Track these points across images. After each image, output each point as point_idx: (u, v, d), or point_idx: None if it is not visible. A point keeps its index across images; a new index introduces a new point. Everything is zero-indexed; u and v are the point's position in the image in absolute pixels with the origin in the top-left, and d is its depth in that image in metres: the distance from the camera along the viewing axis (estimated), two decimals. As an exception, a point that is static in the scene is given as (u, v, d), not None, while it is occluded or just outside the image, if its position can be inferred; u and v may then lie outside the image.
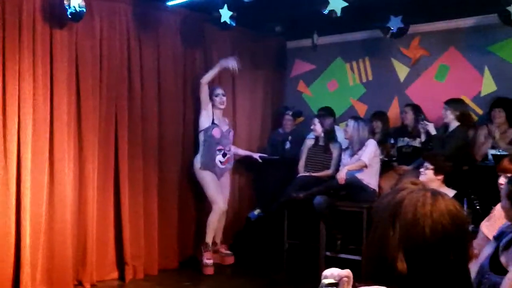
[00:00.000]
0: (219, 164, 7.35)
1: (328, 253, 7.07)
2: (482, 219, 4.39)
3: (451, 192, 5.46)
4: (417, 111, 7.44)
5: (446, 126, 7.05)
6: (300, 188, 7.17)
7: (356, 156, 7.02)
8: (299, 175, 7.59)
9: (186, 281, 6.81)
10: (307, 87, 9.17)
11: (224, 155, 7.38)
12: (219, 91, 7.46)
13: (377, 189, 6.97)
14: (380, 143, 7.44)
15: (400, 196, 1.75)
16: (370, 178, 6.96)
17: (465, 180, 6.36)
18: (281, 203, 7.39)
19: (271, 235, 7.79)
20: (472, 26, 7.56)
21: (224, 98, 7.46)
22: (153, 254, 7.09)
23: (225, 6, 6.80)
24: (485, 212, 4.78)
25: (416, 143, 7.30)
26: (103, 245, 6.67)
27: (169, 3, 7.12)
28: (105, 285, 6.60)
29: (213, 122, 7.35)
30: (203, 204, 7.53)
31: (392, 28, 7.13)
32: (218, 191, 7.35)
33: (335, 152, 7.57)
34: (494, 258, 2.75)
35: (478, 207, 5.77)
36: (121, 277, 6.77)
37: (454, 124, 6.91)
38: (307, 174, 7.53)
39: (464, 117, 6.96)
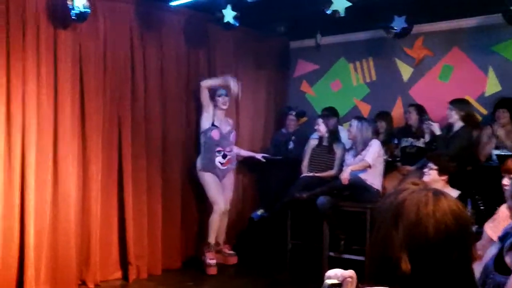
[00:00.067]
0: (219, 165, 7.33)
1: (331, 254, 7.07)
2: (486, 220, 4.39)
3: (455, 193, 5.45)
4: (421, 111, 7.43)
5: (450, 126, 7.03)
6: (303, 189, 7.17)
7: (359, 156, 7.01)
8: (302, 175, 7.58)
9: (190, 281, 6.81)
10: (310, 87, 9.16)
11: (224, 156, 7.36)
12: (222, 91, 7.43)
13: (380, 189, 6.95)
14: (384, 143, 7.43)
15: (402, 196, 1.75)
16: (374, 179, 6.95)
17: (469, 180, 6.35)
18: (284, 203, 7.39)
19: (274, 235, 7.79)
20: (476, 26, 7.54)
21: (227, 98, 7.43)
22: (156, 254, 7.09)
23: (229, 6, 6.80)
24: (489, 212, 4.77)
25: (420, 143, 7.28)
26: (107, 245, 6.67)
27: (173, 3, 7.13)
28: (108, 285, 6.61)
29: (213, 124, 7.33)
30: (206, 205, 7.53)
31: (395, 28, 7.11)
32: (219, 192, 7.34)
33: (338, 152, 7.56)
34: (498, 258, 2.74)
35: (482, 207, 5.76)
36: (125, 277, 6.78)
37: (459, 124, 6.89)
38: (311, 174, 7.52)
39: (468, 117, 6.95)
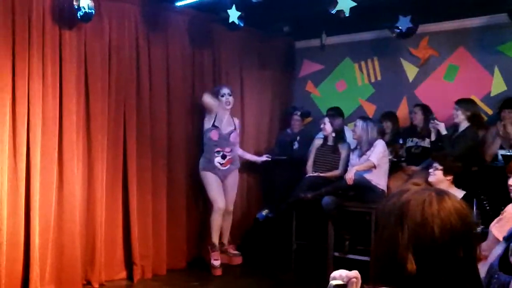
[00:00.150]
0: (218, 165, 7.31)
1: (336, 254, 7.06)
2: (492, 220, 4.38)
3: (460, 193, 5.44)
4: (426, 111, 7.41)
5: (455, 126, 7.01)
6: (308, 189, 7.15)
7: (364, 157, 6.99)
8: (307, 175, 7.57)
9: (194, 281, 6.82)
10: (315, 87, 9.15)
11: (223, 156, 7.33)
12: (225, 90, 7.40)
13: (385, 189, 6.93)
14: (390, 143, 7.42)
15: (406, 197, 1.75)
16: (379, 179, 6.93)
17: (475, 180, 6.34)
18: (289, 204, 7.38)
19: (279, 236, 7.78)
20: (481, 25, 7.52)
21: (230, 98, 7.40)
22: (161, 254, 7.09)
23: (233, 6, 6.79)
24: (495, 213, 4.76)
25: (425, 143, 7.26)
26: (112, 245, 6.68)
27: (178, 4, 7.13)
28: (113, 285, 6.61)
29: (213, 124, 7.31)
30: (210, 204, 7.52)
31: (401, 28, 7.10)
32: (219, 191, 7.33)
33: (343, 153, 7.55)
34: (503, 258, 2.74)
35: (487, 208, 5.75)
36: (130, 277, 6.78)
37: (465, 124, 6.87)
38: (316, 174, 7.51)
39: (474, 117, 6.92)
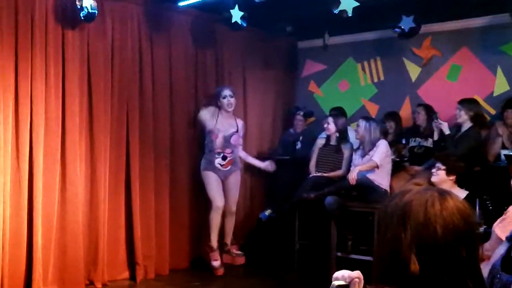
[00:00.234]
0: (219, 166, 7.29)
1: (339, 254, 7.06)
2: (495, 220, 4.37)
3: (463, 193, 5.43)
4: (429, 111, 7.40)
5: (458, 126, 7.00)
6: (311, 189, 7.15)
7: (367, 157, 6.99)
8: (310, 175, 7.57)
9: (197, 281, 6.82)
10: (318, 87, 9.15)
11: (224, 158, 7.31)
12: (227, 92, 7.37)
13: (388, 189, 6.93)
14: (392, 143, 7.41)
15: (408, 197, 1.75)
16: (382, 179, 6.93)
17: (478, 180, 6.33)
18: (292, 204, 7.38)
19: (282, 236, 7.78)
20: (484, 25, 7.51)
21: (232, 100, 7.36)
22: (164, 254, 7.10)
23: (236, 6, 6.80)
24: (498, 213, 4.75)
25: (428, 143, 7.26)
26: (115, 245, 6.69)
27: (180, 4, 7.13)
28: (116, 285, 6.62)
29: (214, 126, 7.30)
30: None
31: (403, 28, 7.09)
32: (218, 190, 7.30)
33: (346, 153, 7.54)
34: (506, 258, 2.74)
35: (490, 208, 5.74)
36: (132, 277, 6.79)
37: (467, 124, 6.86)
38: (319, 174, 7.51)
39: (477, 117, 6.91)
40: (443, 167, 5.61)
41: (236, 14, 6.85)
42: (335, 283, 1.78)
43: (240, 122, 7.61)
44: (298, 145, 8.40)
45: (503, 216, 4.30)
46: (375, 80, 8.55)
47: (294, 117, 8.65)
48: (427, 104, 7.56)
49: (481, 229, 4.65)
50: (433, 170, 5.74)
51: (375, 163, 6.84)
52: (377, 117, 7.97)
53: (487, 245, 4.13)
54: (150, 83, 6.98)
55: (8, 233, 5.66)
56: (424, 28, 7.30)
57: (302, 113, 8.58)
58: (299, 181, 7.54)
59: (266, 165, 7.79)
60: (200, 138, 7.54)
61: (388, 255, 1.72)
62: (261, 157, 8.24)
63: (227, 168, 7.36)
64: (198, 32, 7.53)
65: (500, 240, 3.76)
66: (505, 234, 3.26)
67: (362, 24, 7.56)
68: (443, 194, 1.73)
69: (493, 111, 7.39)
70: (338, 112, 7.95)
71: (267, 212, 7.67)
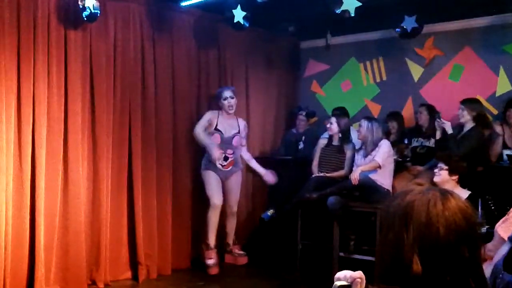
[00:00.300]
0: (220, 167, 7.27)
1: (341, 254, 7.05)
2: (498, 220, 4.36)
3: (465, 193, 5.43)
4: (431, 111, 7.40)
5: (461, 126, 6.99)
6: (314, 189, 7.14)
7: (369, 157, 6.98)
8: (313, 175, 7.56)
9: (199, 281, 6.81)
10: (320, 87, 9.15)
11: (225, 158, 7.29)
12: (227, 93, 7.35)
13: (391, 189, 6.92)
14: (395, 143, 7.41)
15: (410, 197, 1.75)
16: (384, 179, 6.92)
17: (480, 180, 6.32)
18: (294, 204, 7.37)
19: (284, 236, 7.78)
20: (486, 25, 7.51)
21: (233, 101, 7.35)
22: (166, 254, 7.10)
23: (239, 6, 6.79)
24: (500, 213, 4.74)
25: (431, 143, 7.25)
26: (117, 245, 6.69)
27: (183, 4, 7.13)
28: (118, 285, 6.62)
29: (215, 128, 7.28)
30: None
31: (406, 28, 7.08)
32: (217, 189, 7.27)
33: (348, 153, 7.53)
34: (509, 258, 2.73)
35: (493, 208, 5.73)
36: (135, 277, 6.79)
37: (470, 124, 6.84)
38: (321, 174, 7.50)
39: (480, 117, 6.89)
40: (446, 167, 5.61)
41: (239, 14, 6.84)
42: (337, 283, 1.78)
43: (242, 123, 7.59)
44: (301, 145, 8.41)
45: (506, 217, 4.29)
46: (378, 80, 8.55)
47: (296, 117, 8.66)
48: (429, 104, 7.55)
49: (484, 229, 4.64)
50: (436, 170, 5.74)
51: (378, 163, 6.84)
52: (380, 117, 7.97)
53: (489, 245, 4.12)
54: (153, 83, 6.98)
55: (11, 233, 5.66)
56: (427, 28, 7.30)
57: (304, 113, 8.59)
58: (301, 181, 7.54)
59: (266, 174, 7.74)
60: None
61: (390, 255, 1.72)
62: (263, 157, 8.26)
63: (228, 169, 7.36)
64: (200, 32, 7.53)
65: (502, 240, 3.75)
66: (508, 235, 3.26)
67: (365, 24, 7.56)
68: (445, 194, 1.74)
69: (495, 111, 7.38)
70: (340, 112, 7.94)
71: (270, 212, 7.66)
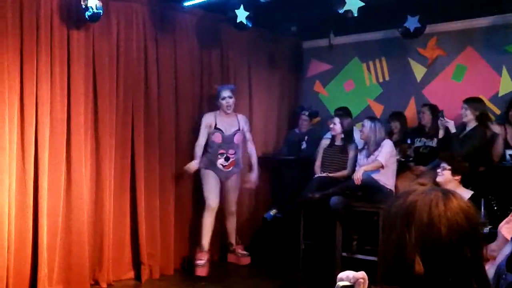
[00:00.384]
0: (221, 167, 7.23)
1: (344, 254, 7.05)
2: (500, 221, 4.36)
3: (468, 193, 5.43)
4: (434, 111, 7.39)
5: (463, 125, 6.98)
6: (317, 189, 7.14)
7: (372, 157, 6.97)
8: (316, 175, 7.55)
9: (202, 281, 6.81)
10: (323, 87, 9.14)
11: (226, 159, 7.24)
12: (225, 93, 7.27)
13: (393, 189, 6.92)
14: (398, 143, 7.40)
15: (412, 198, 1.75)
16: (387, 179, 6.92)
17: (483, 181, 6.32)
18: (297, 204, 7.37)
19: (287, 236, 7.78)
20: (489, 25, 7.50)
21: (231, 101, 7.27)
22: (169, 254, 7.10)
23: (241, 6, 6.79)
24: (503, 213, 4.74)
25: (433, 143, 7.24)
26: (120, 245, 6.69)
27: (186, 4, 7.14)
28: (121, 285, 6.63)
29: (215, 127, 7.23)
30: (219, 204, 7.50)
31: (409, 28, 7.08)
32: (214, 190, 7.22)
33: (351, 153, 7.52)
34: (511, 258, 2.74)
35: (495, 208, 5.73)
36: (137, 277, 6.79)
37: (473, 124, 6.83)
38: (324, 174, 7.50)
39: (482, 117, 6.89)
40: (449, 167, 5.60)
41: (241, 14, 6.85)
42: (340, 283, 1.78)
43: (242, 118, 7.50)
44: (303, 145, 8.40)
45: (510, 217, 4.29)
46: (380, 80, 8.54)
47: (299, 117, 8.65)
48: (432, 104, 7.54)
49: (486, 229, 4.64)
50: (438, 170, 5.73)
51: (380, 163, 6.83)
52: (382, 117, 7.96)
53: (493, 246, 4.12)
54: (155, 83, 6.98)
55: (14, 233, 5.67)
56: (429, 28, 7.31)
57: (307, 113, 8.58)
58: (304, 181, 7.53)
59: (252, 176, 7.54)
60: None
61: (393, 255, 1.72)
62: (266, 157, 8.27)
63: (229, 169, 7.31)
64: (203, 32, 7.53)
65: (506, 241, 3.76)
66: (511, 235, 3.26)
67: (368, 24, 7.56)
68: (447, 194, 1.73)
69: (498, 111, 7.37)
70: (343, 112, 7.93)
71: (272, 212, 7.65)
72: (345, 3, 6.12)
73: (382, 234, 1.82)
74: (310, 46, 9.21)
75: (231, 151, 7.28)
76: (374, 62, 8.60)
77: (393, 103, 8.16)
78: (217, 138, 7.21)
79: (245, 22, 6.89)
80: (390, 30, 7.80)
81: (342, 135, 7.55)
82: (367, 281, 1.80)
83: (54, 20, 6.00)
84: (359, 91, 8.71)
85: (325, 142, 7.80)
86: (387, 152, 6.87)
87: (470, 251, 1.67)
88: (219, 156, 7.23)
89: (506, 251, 3.00)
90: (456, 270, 1.65)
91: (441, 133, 7.06)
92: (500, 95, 7.43)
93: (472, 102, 6.90)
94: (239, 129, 7.36)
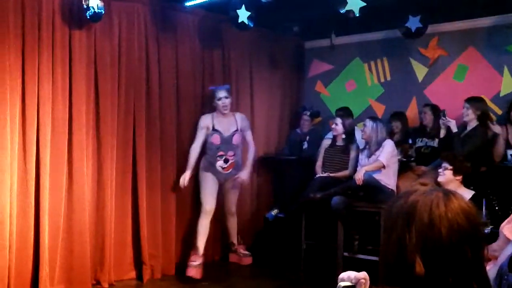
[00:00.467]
0: (220, 169, 7.17)
1: (345, 254, 7.05)
2: (502, 221, 4.36)
3: (469, 193, 5.42)
4: (435, 111, 7.39)
5: (464, 125, 6.98)
6: (318, 189, 7.14)
7: (374, 157, 6.97)
8: (317, 175, 7.55)
9: (204, 281, 6.80)
10: (325, 87, 9.14)
11: (225, 161, 7.18)
12: (221, 94, 7.19)
13: (395, 189, 6.92)
14: (399, 143, 7.40)
15: (413, 198, 1.75)
16: (388, 179, 6.92)
17: (484, 180, 6.31)
18: (298, 204, 7.37)
19: (289, 236, 7.78)
20: (491, 25, 7.49)
21: (227, 101, 7.18)
22: (170, 254, 7.10)
23: (243, 6, 6.79)
24: (504, 213, 4.74)
25: (435, 143, 7.24)
26: (121, 245, 6.69)
27: (187, 4, 7.14)
28: (123, 285, 6.62)
29: (213, 128, 7.17)
30: (219, 205, 7.50)
31: (410, 28, 7.08)
32: (212, 194, 7.16)
33: (352, 153, 7.53)
34: (513, 259, 2.74)
35: (497, 208, 5.73)
36: (139, 276, 6.79)
37: (474, 123, 6.83)
38: (325, 174, 7.50)
39: (484, 116, 6.88)
40: (450, 167, 5.60)
41: (243, 14, 6.85)
42: (341, 284, 1.78)
43: (239, 117, 7.39)
44: (305, 145, 8.40)
45: (511, 217, 4.29)
46: (382, 80, 8.54)
47: (300, 117, 8.65)
48: (433, 104, 7.54)
49: (488, 229, 4.64)
50: (440, 170, 5.73)
51: (382, 163, 6.83)
52: (384, 117, 7.96)
53: (494, 246, 4.12)
54: (157, 83, 6.98)
55: (15, 233, 5.67)
56: (431, 28, 7.30)
57: (308, 113, 8.58)
58: (306, 181, 7.54)
59: (244, 174, 7.35)
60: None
61: (393, 256, 1.71)
62: (267, 157, 8.28)
63: (229, 171, 7.24)
64: (204, 32, 7.53)
65: (507, 241, 3.76)
66: (512, 235, 3.26)
67: (369, 24, 7.57)
68: (448, 194, 1.73)
69: (499, 111, 7.36)
70: (344, 113, 7.92)
71: (274, 212, 7.66)
72: (346, 3, 6.12)
73: (383, 234, 1.82)
74: (311, 46, 9.21)
75: (230, 153, 7.21)
76: (375, 62, 8.60)
77: (394, 103, 8.16)
78: (215, 139, 7.16)
79: (246, 22, 6.89)
80: (392, 30, 7.80)
81: (344, 135, 7.55)
82: (368, 281, 1.79)
83: (56, 20, 6.01)
84: (361, 91, 8.70)
85: (326, 142, 7.80)
86: (388, 152, 6.87)
87: (471, 252, 1.67)
88: (218, 158, 7.17)
89: (508, 251, 3.00)
90: (457, 270, 1.65)
91: (442, 133, 7.06)
92: (501, 95, 7.42)
93: (474, 101, 6.90)
94: (237, 130, 7.29)
